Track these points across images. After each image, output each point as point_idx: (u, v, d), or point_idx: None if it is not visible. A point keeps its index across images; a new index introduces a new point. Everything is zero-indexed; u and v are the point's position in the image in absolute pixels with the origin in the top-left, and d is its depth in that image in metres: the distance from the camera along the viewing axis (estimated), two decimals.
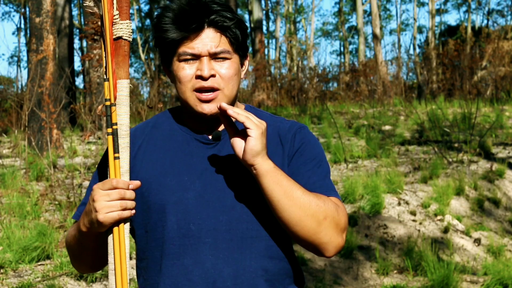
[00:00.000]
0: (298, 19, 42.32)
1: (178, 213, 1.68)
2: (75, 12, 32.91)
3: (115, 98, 1.61)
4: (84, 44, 32.08)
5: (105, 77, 1.61)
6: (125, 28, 1.62)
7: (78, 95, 19.87)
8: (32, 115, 8.95)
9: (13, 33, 48.71)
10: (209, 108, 1.70)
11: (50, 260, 4.99)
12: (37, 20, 9.59)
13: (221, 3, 1.70)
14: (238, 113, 1.58)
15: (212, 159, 1.73)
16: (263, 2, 35.69)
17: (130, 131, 1.77)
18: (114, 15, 1.61)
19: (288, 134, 1.78)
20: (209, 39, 1.68)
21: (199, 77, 1.68)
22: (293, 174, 1.72)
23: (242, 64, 1.78)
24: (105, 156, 1.72)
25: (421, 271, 5.67)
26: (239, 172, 1.70)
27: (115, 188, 1.57)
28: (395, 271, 5.80)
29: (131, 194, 1.58)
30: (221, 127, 1.77)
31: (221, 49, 1.69)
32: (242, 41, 1.73)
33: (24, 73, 54.45)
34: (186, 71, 1.70)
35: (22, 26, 35.53)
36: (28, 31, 25.25)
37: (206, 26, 1.68)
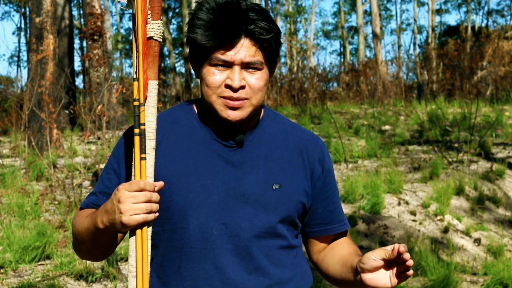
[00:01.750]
0: (298, 19, 42.32)
1: (200, 217, 1.66)
2: (75, 12, 32.89)
3: (145, 99, 1.57)
4: (84, 44, 32.07)
5: (134, 77, 1.58)
6: (156, 29, 1.58)
7: (78, 95, 19.86)
8: (32, 115, 8.95)
9: (13, 33, 48.71)
10: (234, 115, 1.66)
11: (50, 260, 4.99)
12: (37, 20, 9.59)
13: (260, 10, 1.65)
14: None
15: (235, 163, 1.70)
16: (263, 2, 35.67)
17: None
18: (148, 15, 1.58)
19: (313, 151, 1.78)
20: (244, 49, 1.63)
21: (229, 86, 1.64)
22: (322, 198, 1.79)
23: (270, 74, 1.74)
24: (129, 131, 1.70)
25: (421, 271, 5.67)
26: (261, 180, 1.69)
27: (142, 190, 1.51)
28: None
29: (156, 196, 1.54)
30: (241, 131, 1.72)
31: (255, 60, 1.64)
32: (276, 53, 1.69)
33: (24, 73, 54.48)
34: (216, 76, 1.65)
35: (22, 26, 35.52)
36: (28, 31, 25.24)
37: (243, 36, 1.62)
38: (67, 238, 5.32)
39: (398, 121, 12.30)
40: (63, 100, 9.78)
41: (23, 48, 43.44)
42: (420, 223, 6.62)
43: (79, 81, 30.33)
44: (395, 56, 22.52)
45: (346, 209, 6.63)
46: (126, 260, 5.12)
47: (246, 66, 1.65)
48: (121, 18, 41.95)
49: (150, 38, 1.58)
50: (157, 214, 1.55)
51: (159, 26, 1.59)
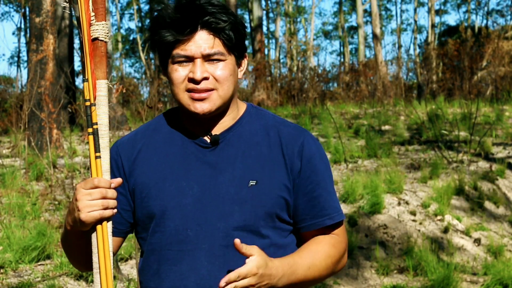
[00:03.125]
0: (298, 19, 42.32)
1: (176, 219, 1.68)
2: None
3: (94, 98, 1.62)
4: None
5: (84, 78, 1.63)
6: (101, 29, 1.63)
7: (78, 95, 19.86)
8: (32, 115, 8.95)
9: (13, 33, 48.72)
10: (201, 108, 1.68)
11: (50, 260, 4.99)
12: (37, 20, 9.59)
13: (216, 4, 1.68)
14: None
15: (211, 163, 1.71)
16: (263, 2, 35.68)
17: (131, 135, 1.79)
18: (91, 17, 1.63)
19: (292, 144, 1.75)
20: (202, 41, 1.66)
21: (192, 79, 1.67)
22: (300, 191, 1.74)
23: (239, 65, 1.75)
24: None
25: (421, 271, 5.67)
26: (237, 178, 1.69)
27: (96, 187, 1.57)
28: (395, 271, 5.80)
29: (112, 193, 1.58)
30: (218, 130, 1.75)
31: (214, 50, 1.67)
32: (238, 42, 1.71)
33: (24, 73, 54.42)
34: (179, 73, 1.68)
35: (22, 26, 35.50)
36: (28, 31, 25.24)
37: (199, 28, 1.66)
38: None
39: (398, 121, 12.30)
40: (62, 100, 9.78)
41: (23, 48, 43.45)
42: (420, 223, 6.61)
43: (79, 81, 30.33)
44: (395, 56, 22.53)
45: (346, 209, 6.63)
46: (126, 260, 5.12)
47: (207, 58, 1.68)
48: (121, 18, 41.97)
49: (96, 39, 1.63)
50: (115, 210, 1.59)
51: (103, 26, 1.63)
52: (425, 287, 5.38)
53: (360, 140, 10.34)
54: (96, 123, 1.62)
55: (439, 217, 6.80)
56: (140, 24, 39.38)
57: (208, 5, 1.67)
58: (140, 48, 36.36)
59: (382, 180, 7.22)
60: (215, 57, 1.67)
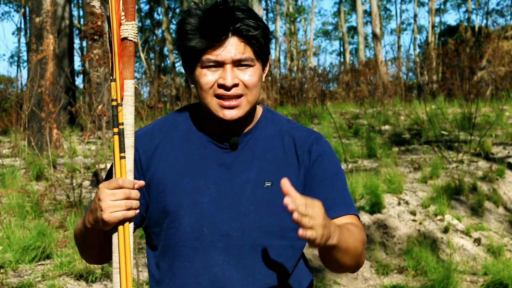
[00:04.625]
0: (298, 19, 42.32)
1: (191, 216, 1.69)
2: (75, 12, 32.91)
3: (121, 99, 1.61)
4: (84, 44, 32.06)
5: (111, 78, 1.62)
6: (130, 29, 1.62)
7: (78, 95, 19.86)
8: (32, 115, 8.95)
9: (13, 33, 48.71)
10: (230, 115, 1.68)
11: (50, 260, 4.99)
12: (37, 20, 9.59)
13: (246, 9, 1.68)
14: (299, 212, 1.43)
15: (227, 165, 1.72)
16: (263, 2, 35.70)
17: (148, 128, 1.80)
18: (121, 16, 1.61)
19: (304, 145, 1.77)
20: (233, 47, 1.66)
21: (222, 85, 1.67)
22: (312, 188, 1.73)
23: (264, 70, 1.77)
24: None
25: (421, 271, 5.67)
26: (252, 179, 1.71)
27: (120, 188, 1.57)
28: (395, 271, 5.80)
29: (136, 193, 1.59)
30: (238, 131, 1.76)
31: (245, 56, 1.67)
32: (266, 48, 1.72)
33: (24, 73, 54.41)
34: (208, 77, 1.68)
35: (22, 26, 35.49)
36: (28, 31, 25.23)
37: (230, 35, 1.66)
38: (67, 238, 5.32)
39: (398, 121, 12.30)
40: (62, 100, 9.78)
41: (23, 48, 43.46)
42: (420, 223, 6.61)
43: (79, 81, 30.37)
44: (395, 56, 22.52)
45: None
46: None
47: (237, 64, 1.67)
48: None
49: (125, 38, 1.62)
50: (137, 211, 1.60)
51: (133, 26, 1.62)
52: (425, 287, 5.38)
53: (360, 140, 10.34)
54: (122, 123, 1.61)
55: (439, 217, 6.80)
56: (140, 24, 39.38)
57: (238, 11, 1.66)
58: (140, 48, 36.36)
59: (382, 180, 7.22)
60: (245, 63, 1.68)
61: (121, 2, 1.61)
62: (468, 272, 5.72)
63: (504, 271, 5.43)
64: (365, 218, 6.50)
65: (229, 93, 1.67)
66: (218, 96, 1.68)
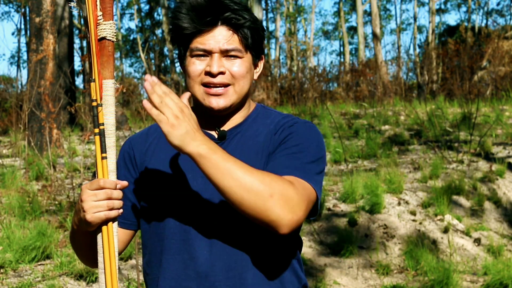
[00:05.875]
0: (298, 19, 42.31)
1: (179, 209, 1.72)
2: (75, 12, 32.88)
3: (101, 98, 1.62)
4: (84, 44, 32.05)
5: (91, 78, 1.63)
6: (108, 29, 1.62)
7: (78, 95, 19.86)
8: (32, 115, 8.95)
9: (13, 33, 48.72)
10: (217, 103, 1.71)
11: (50, 260, 4.99)
12: (37, 20, 9.58)
13: (238, 2, 1.72)
14: (154, 97, 1.51)
15: None
16: (263, 2, 35.69)
17: (145, 130, 1.84)
18: (98, 16, 1.62)
19: (281, 128, 1.76)
20: (221, 37, 1.69)
21: (208, 73, 1.70)
22: (270, 159, 1.71)
23: (255, 65, 1.79)
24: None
25: (421, 271, 5.67)
26: None
27: (102, 188, 1.58)
28: (395, 271, 5.80)
29: (118, 193, 1.60)
30: (227, 127, 1.78)
31: (232, 46, 1.70)
32: (255, 41, 1.74)
33: (24, 73, 54.45)
34: (196, 66, 1.71)
35: (22, 26, 35.51)
36: (28, 31, 25.23)
37: (219, 23, 1.69)
38: (67, 238, 5.32)
39: (398, 121, 12.30)
40: (62, 100, 9.78)
41: (23, 48, 43.45)
42: (420, 223, 6.61)
43: (79, 81, 30.34)
44: (395, 56, 22.52)
45: (346, 209, 6.63)
46: (126, 260, 5.12)
47: (225, 54, 1.70)
48: (121, 18, 41.98)
49: (103, 38, 1.62)
50: (120, 211, 1.61)
51: (111, 26, 1.62)
52: (425, 287, 5.38)
53: (360, 140, 10.34)
54: (103, 124, 1.61)
55: (439, 217, 6.80)
56: (140, 24, 39.38)
57: (231, 2, 1.70)
58: (140, 48, 36.35)
59: (382, 180, 7.22)
60: (233, 53, 1.70)
61: (98, 2, 1.61)
62: (468, 272, 5.72)
63: (504, 271, 5.43)
64: (365, 218, 6.50)
65: (215, 80, 1.69)
66: (205, 85, 1.71)
